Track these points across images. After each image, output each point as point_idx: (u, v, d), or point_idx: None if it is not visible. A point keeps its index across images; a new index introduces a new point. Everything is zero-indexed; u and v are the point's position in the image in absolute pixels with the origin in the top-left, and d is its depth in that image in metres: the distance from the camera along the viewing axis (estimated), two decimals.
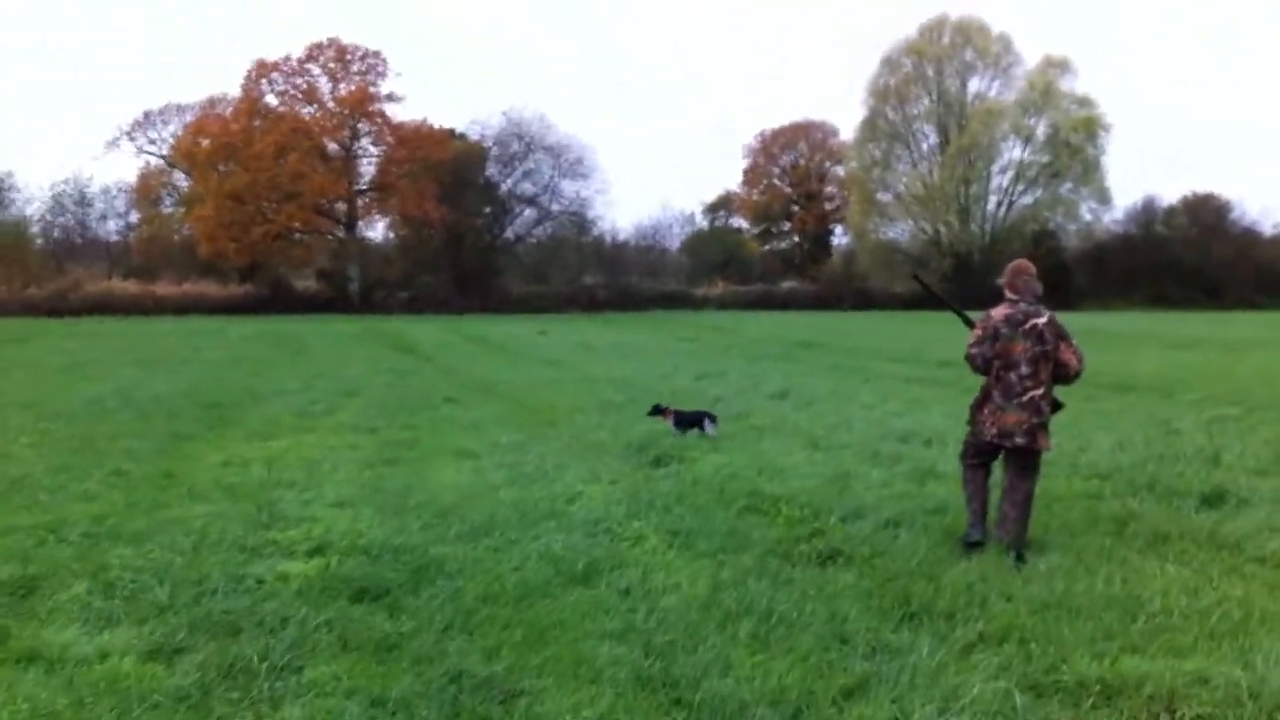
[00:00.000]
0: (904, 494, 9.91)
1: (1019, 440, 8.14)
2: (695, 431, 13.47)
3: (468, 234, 70.03)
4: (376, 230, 76.40)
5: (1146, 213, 77.90)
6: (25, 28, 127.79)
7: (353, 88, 67.93)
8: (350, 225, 70.22)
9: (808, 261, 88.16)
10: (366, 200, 71.24)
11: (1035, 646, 5.85)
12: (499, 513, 8.99)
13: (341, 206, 69.84)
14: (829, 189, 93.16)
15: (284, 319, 53.81)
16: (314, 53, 68.21)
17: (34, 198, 76.41)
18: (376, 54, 69.15)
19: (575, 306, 68.06)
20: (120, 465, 11.71)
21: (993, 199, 75.58)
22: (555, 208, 74.83)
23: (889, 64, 76.16)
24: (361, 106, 67.56)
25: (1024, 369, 8.12)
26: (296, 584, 6.90)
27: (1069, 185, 74.18)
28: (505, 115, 72.64)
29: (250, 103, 66.59)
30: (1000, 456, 8.41)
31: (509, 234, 75.17)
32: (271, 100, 68.16)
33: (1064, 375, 8.28)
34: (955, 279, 71.66)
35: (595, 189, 75.24)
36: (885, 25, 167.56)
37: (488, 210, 72.58)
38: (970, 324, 8.64)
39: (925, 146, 76.91)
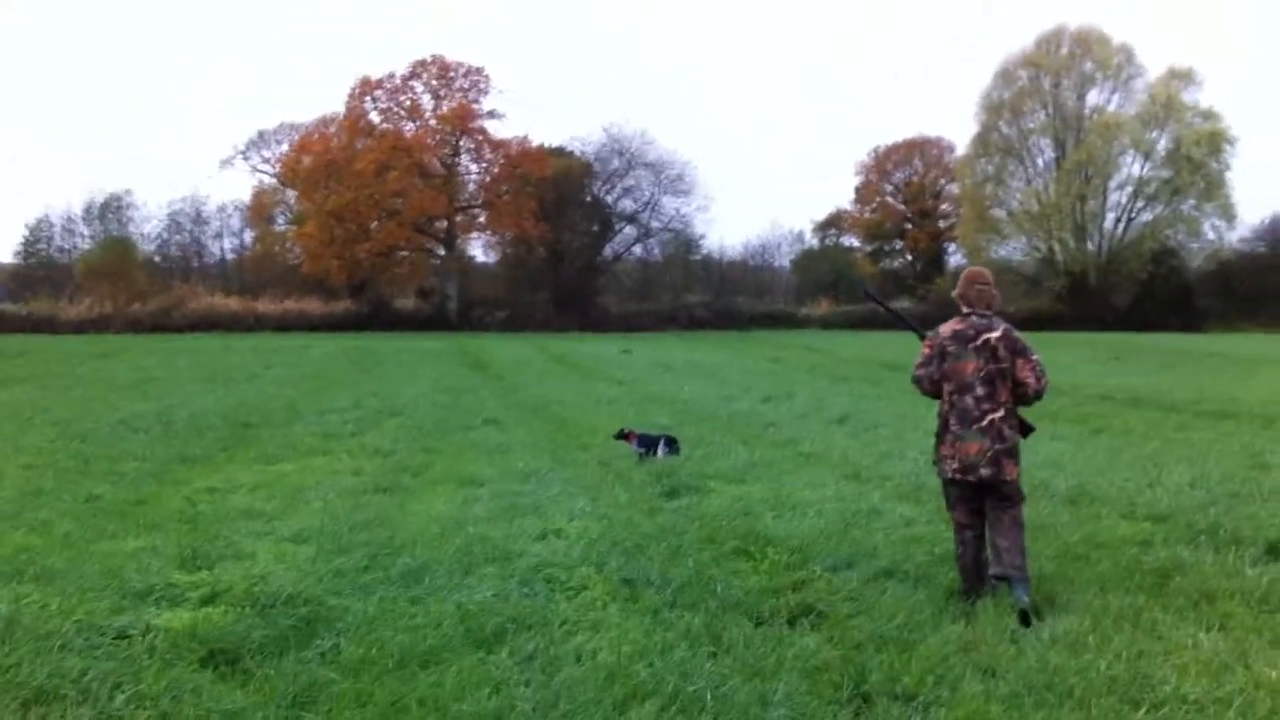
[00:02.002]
0: (920, 537, 8.69)
1: (983, 472, 7.05)
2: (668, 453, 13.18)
3: (567, 252, 69.47)
4: (476, 248, 76.38)
5: (1275, 230, 74.04)
6: (147, 47, 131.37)
7: (455, 105, 67.83)
8: (450, 243, 70.11)
9: (920, 281, 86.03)
10: (466, 218, 71.07)
11: None
12: (448, 554, 8.01)
13: (441, 224, 69.75)
14: (944, 206, 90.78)
15: (376, 336, 53.68)
16: (417, 70, 68.27)
17: (151, 215, 78.24)
18: (479, 70, 69.01)
19: (675, 325, 66.98)
20: (98, 490, 11.14)
21: (1110, 216, 72.26)
22: (655, 224, 73.99)
23: (1004, 76, 73.58)
24: (463, 123, 67.39)
25: (979, 390, 7.08)
26: (157, 640, 5.98)
27: (1191, 202, 70.59)
28: (606, 131, 72.07)
29: (353, 120, 66.89)
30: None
31: (608, 252, 74.43)
32: (375, 118, 68.43)
33: (1022, 395, 7.21)
34: (1070, 299, 69.13)
35: (696, 206, 74.35)
36: (1003, 37, 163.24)
37: (588, 225, 71.85)
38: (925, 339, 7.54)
39: (1040, 162, 74.02)
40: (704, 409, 19.36)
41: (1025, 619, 6.47)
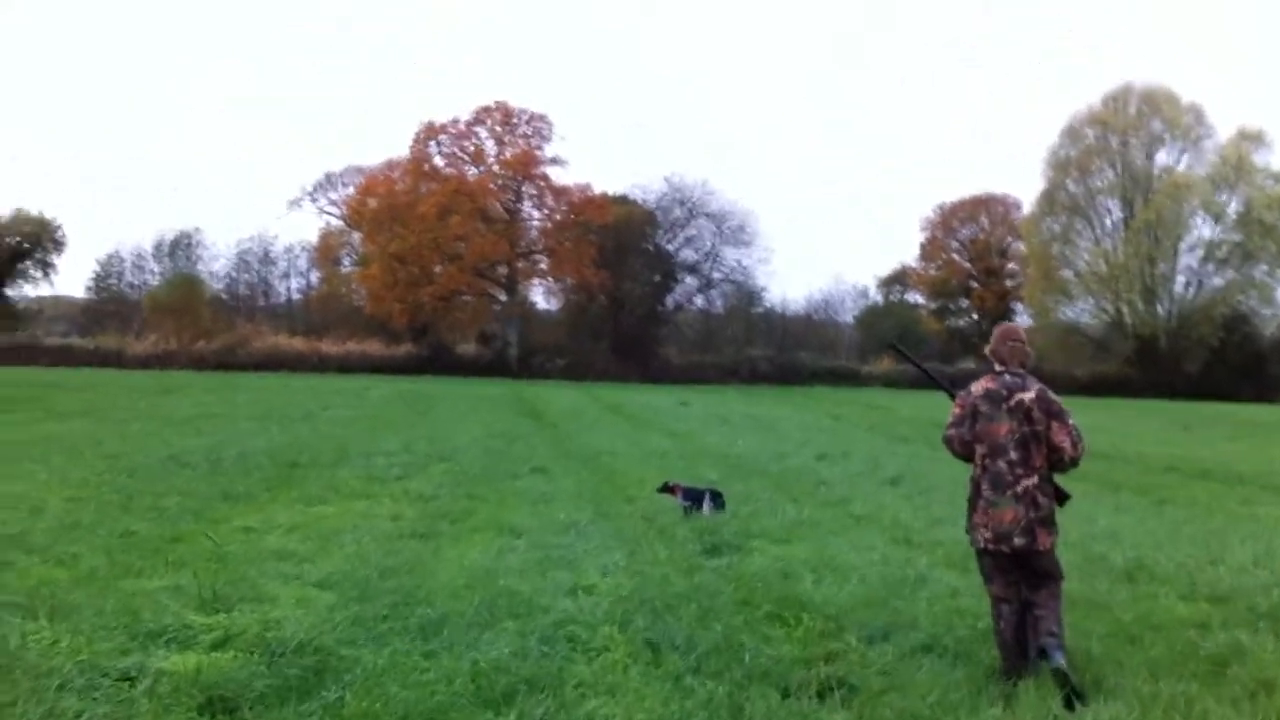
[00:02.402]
0: (964, 610, 8.27)
1: (1017, 541, 6.66)
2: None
3: (628, 300, 69.37)
4: (538, 295, 76.50)
5: None
6: (220, 89, 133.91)
7: (517, 150, 68.23)
8: (511, 288, 70.31)
9: (986, 340, 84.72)
10: (527, 264, 71.27)
11: None
12: (472, 606, 7.76)
13: (503, 270, 69.98)
14: (1010, 265, 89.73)
15: (434, 380, 53.75)
16: (481, 115, 68.76)
17: (220, 254, 79.35)
18: (542, 117, 69.37)
19: (736, 378, 66.47)
20: (135, 526, 11.08)
21: (1180, 279, 70.71)
22: (716, 275, 73.72)
23: (1070, 134, 72.55)
24: (525, 169, 67.73)
25: (1012, 454, 6.71)
26: (160, 684, 5.79)
27: (1264, 267, 69.11)
28: (667, 180, 72.07)
29: (417, 164, 67.49)
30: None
31: (669, 302, 74.22)
32: (439, 162, 68.99)
33: (1058, 462, 6.81)
34: (1139, 364, 67.78)
35: (757, 257, 73.75)
36: (1070, 94, 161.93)
37: (649, 274, 71.69)
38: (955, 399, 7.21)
39: (1109, 221, 72.65)
40: (756, 464, 19.04)
41: (1070, 701, 6.11)
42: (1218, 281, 70.24)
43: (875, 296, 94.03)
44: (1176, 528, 13.18)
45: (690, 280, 74.11)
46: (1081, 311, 74.99)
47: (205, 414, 26.84)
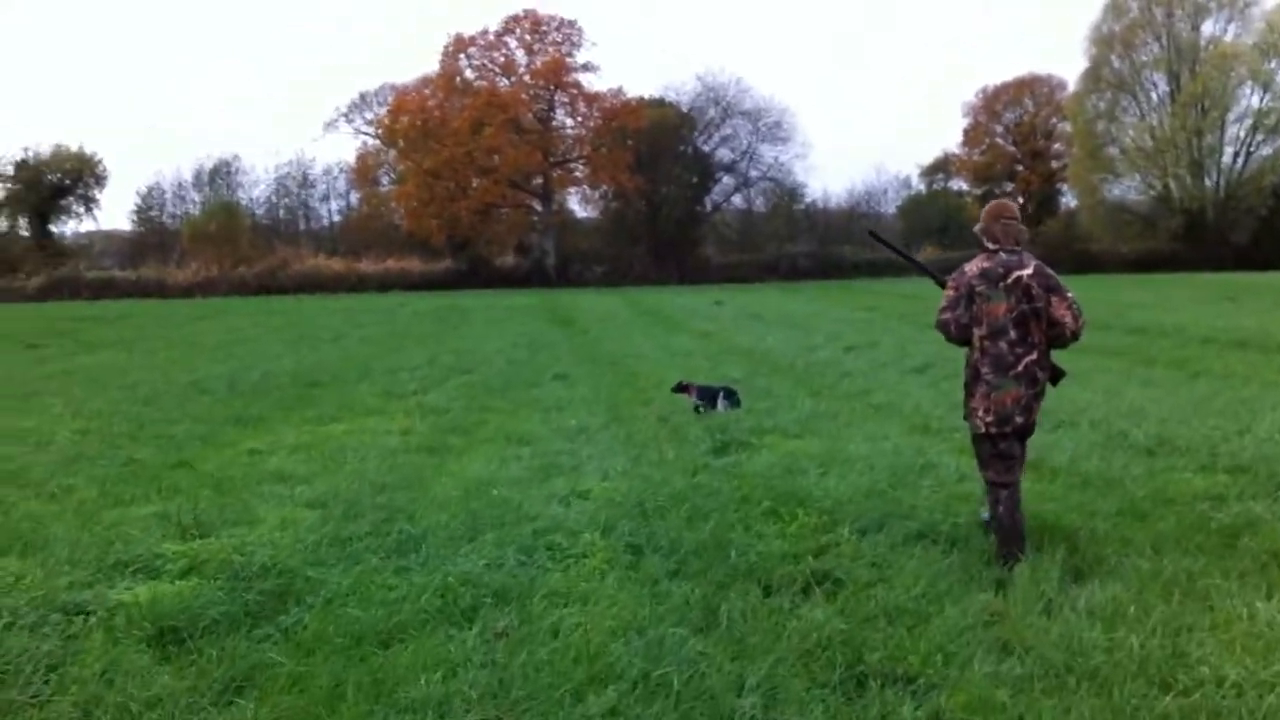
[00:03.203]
0: (968, 494, 7.97)
1: (1019, 420, 6.54)
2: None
3: (665, 203, 68.67)
4: (575, 203, 75.89)
5: None
6: (252, 14, 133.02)
7: (548, 59, 67.27)
8: (546, 199, 69.76)
9: (1032, 224, 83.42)
10: (562, 173, 70.64)
11: None
12: (459, 519, 7.57)
13: (538, 181, 69.41)
14: (1056, 146, 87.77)
15: (471, 294, 53.57)
16: (510, 25, 67.87)
17: (259, 180, 79.35)
18: (572, 24, 68.38)
19: (776, 276, 65.88)
20: (140, 454, 10.99)
21: (1229, 151, 68.60)
22: (754, 174, 72.79)
23: (1114, 9, 70.24)
24: (557, 77, 66.84)
25: (1012, 333, 6.47)
26: (113, 617, 5.63)
27: None
28: (700, 80, 70.93)
29: (448, 78, 66.79)
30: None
31: (707, 203, 73.37)
32: (469, 75, 68.24)
33: (1059, 337, 6.62)
34: (1187, 238, 66.37)
35: (795, 153, 72.71)
36: None
37: (686, 176, 70.78)
38: (942, 284, 6.92)
39: (1154, 96, 70.61)
40: (781, 360, 18.72)
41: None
42: (1266, 151, 68.17)
43: (918, 186, 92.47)
44: (1206, 400, 12.75)
45: (728, 180, 73.29)
46: (1128, 189, 73.35)
47: (236, 339, 26.87)
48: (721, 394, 12.96)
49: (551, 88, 67.88)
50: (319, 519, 7.80)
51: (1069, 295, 6.57)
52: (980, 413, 6.58)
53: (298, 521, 7.76)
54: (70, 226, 74.38)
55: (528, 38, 68.11)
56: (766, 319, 29.89)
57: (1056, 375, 6.82)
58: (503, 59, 68.47)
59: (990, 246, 6.64)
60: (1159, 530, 6.94)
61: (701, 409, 12.73)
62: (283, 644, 5.28)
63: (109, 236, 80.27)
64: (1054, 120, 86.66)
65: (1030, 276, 6.50)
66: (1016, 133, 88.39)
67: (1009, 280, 6.49)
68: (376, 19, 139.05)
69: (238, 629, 5.45)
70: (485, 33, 68.03)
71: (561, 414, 13.25)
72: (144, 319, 35.75)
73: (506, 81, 68.02)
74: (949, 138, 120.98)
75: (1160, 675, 4.65)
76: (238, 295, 55.89)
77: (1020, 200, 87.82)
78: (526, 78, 67.90)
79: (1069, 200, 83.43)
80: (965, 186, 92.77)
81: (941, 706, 4.47)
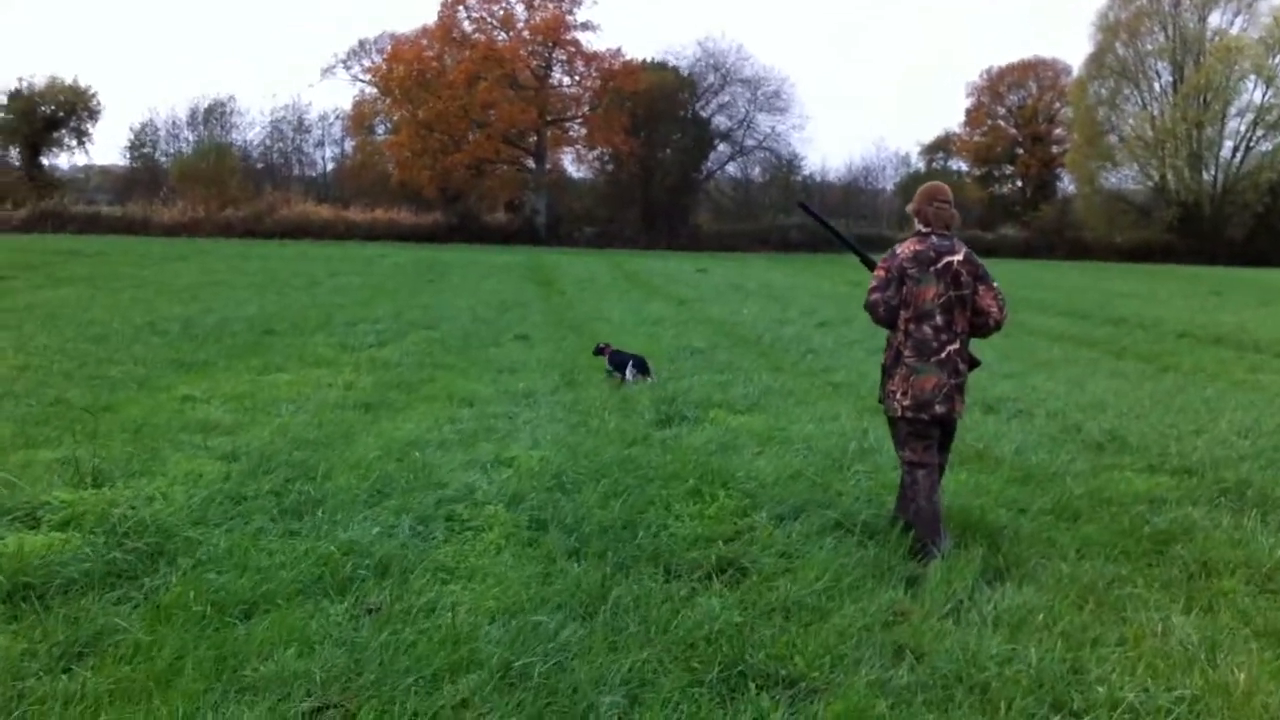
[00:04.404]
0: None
1: (938, 409, 6.30)
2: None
3: (659, 168, 68.05)
4: (569, 163, 75.15)
5: None
6: None
7: (547, 15, 66.34)
8: (540, 157, 69.02)
9: (1028, 207, 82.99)
10: (557, 132, 69.88)
11: None
12: (368, 481, 7.27)
13: (533, 139, 68.65)
14: (1057, 131, 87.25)
15: (456, 249, 53.03)
16: None
17: (255, 122, 78.41)
18: None
19: (768, 247, 65.38)
20: (70, 394, 10.65)
21: (1228, 145, 68.31)
22: (749, 142, 72.11)
23: None
24: (555, 34, 65.78)
25: (938, 319, 6.28)
26: None
27: None
28: (700, 45, 70.22)
29: (445, 29, 65.86)
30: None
31: (702, 170, 72.71)
32: (467, 27, 67.23)
33: (982, 326, 6.45)
34: (1181, 230, 66.03)
35: (792, 124, 72.10)
36: None
37: (682, 142, 70.04)
38: (871, 264, 6.79)
39: (1157, 86, 70.10)
40: (750, 332, 18.41)
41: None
42: (1266, 146, 67.82)
43: (917, 164, 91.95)
44: (1169, 396, 12.48)
45: (724, 148, 72.61)
46: (1125, 178, 73.07)
47: (208, 281, 26.42)
48: (630, 363, 12.71)
49: (550, 44, 66.88)
50: (223, 473, 7.49)
51: (995, 285, 6.43)
52: (898, 395, 6.41)
53: (203, 475, 7.44)
54: (63, 159, 73.73)
55: None
56: (747, 289, 29.56)
57: (973, 363, 6.61)
58: (502, 12, 67.40)
59: (922, 229, 6.46)
60: (1087, 533, 6.67)
61: (610, 374, 12.63)
62: (141, 608, 4.98)
63: (105, 172, 79.52)
64: (1057, 105, 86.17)
65: (960, 263, 6.33)
66: (1019, 115, 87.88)
67: (940, 265, 6.30)
68: None
69: (95, 588, 5.15)
70: None
71: (514, 376, 12.96)
72: (120, 256, 35.20)
73: (504, 36, 67.02)
74: (951, 118, 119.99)
75: (1054, 693, 4.38)
76: (223, 237, 55.25)
77: (1019, 184, 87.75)
78: (525, 33, 66.86)
79: (1067, 186, 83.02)
80: (965, 167, 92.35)
81: (818, 715, 4.19)
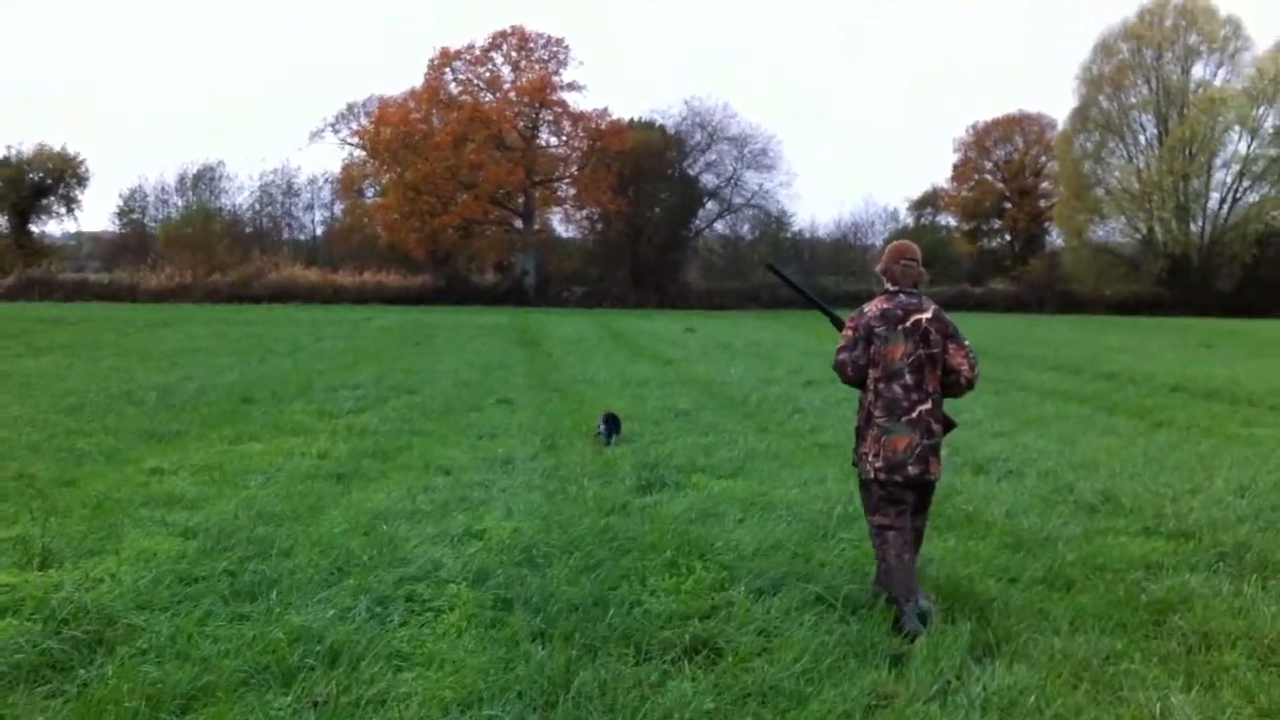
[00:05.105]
0: None
1: (911, 470, 6.13)
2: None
3: (646, 227, 68.05)
4: (557, 223, 75.07)
5: None
6: (243, 21, 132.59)
7: (534, 76, 66.44)
8: (528, 218, 68.95)
9: (1016, 261, 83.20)
10: (545, 192, 69.89)
11: None
12: (328, 558, 6.97)
13: (520, 199, 68.63)
14: (1044, 184, 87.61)
15: (443, 310, 52.78)
16: (497, 40, 66.86)
17: (244, 186, 78.45)
18: (559, 41, 67.41)
19: (757, 304, 65.19)
20: (35, 469, 10.34)
21: (1214, 196, 68.40)
22: (738, 200, 72.22)
23: (1104, 49, 70.12)
24: (542, 94, 65.83)
25: (908, 378, 6.16)
26: None
27: None
28: (686, 104, 70.46)
29: (432, 91, 66.00)
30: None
31: (690, 228, 72.68)
32: (454, 89, 67.40)
33: (953, 385, 6.32)
34: (1170, 282, 66.05)
35: (779, 181, 72.22)
36: (1105, 7, 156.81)
37: (670, 200, 70.04)
38: (839, 323, 6.69)
39: (1142, 139, 70.32)
40: (736, 392, 18.14)
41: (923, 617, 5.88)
42: (1252, 198, 67.92)
43: (906, 219, 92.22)
44: (1163, 453, 12.20)
45: (712, 205, 72.69)
46: (1113, 230, 73.12)
47: (190, 348, 26.13)
48: (601, 419, 12.80)
49: (536, 105, 67.03)
50: (179, 551, 7.18)
51: (966, 343, 6.31)
52: (870, 457, 6.27)
53: (157, 553, 7.13)
54: (53, 227, 73.68)
55: (514, 54, 67.34)
56: (734, 348, 29.30)
57: (948, 425, 6.44)
58: (488, 74, 67.67)
59: (890, 287, 6.36)
60: (1081, 603, 6.38)
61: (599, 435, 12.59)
62: (72, 703, 4.66)
63: (96, 239, 79.49)
64: (1043, 158, 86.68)
65: (929, 321, 6.24)
66: (1006, 170, 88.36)
67: (908, 323, 6.23)
68: (367, 31, 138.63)
69: (26, 683, 4.83)
70: (471, 47, 67.25)
71: (493, 441, 12.70)
72: (103, 323, 34.94)
73: (491, 97, 67.17)
74: (938, 173, 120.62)
75: None
76: (210, 302, 55.06)
77: (1008, 238, 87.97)
78: (512, 94, 67.02)
79: (1055, 239, 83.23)
80: (953, 222, 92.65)
81: None
